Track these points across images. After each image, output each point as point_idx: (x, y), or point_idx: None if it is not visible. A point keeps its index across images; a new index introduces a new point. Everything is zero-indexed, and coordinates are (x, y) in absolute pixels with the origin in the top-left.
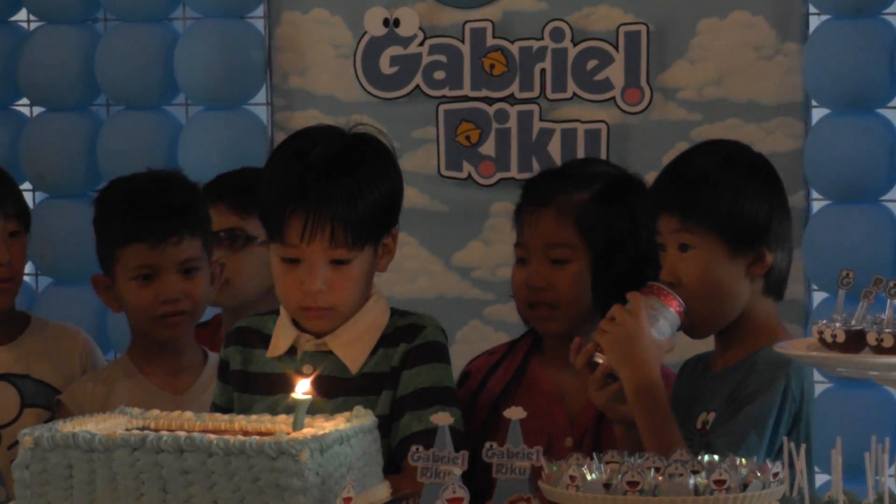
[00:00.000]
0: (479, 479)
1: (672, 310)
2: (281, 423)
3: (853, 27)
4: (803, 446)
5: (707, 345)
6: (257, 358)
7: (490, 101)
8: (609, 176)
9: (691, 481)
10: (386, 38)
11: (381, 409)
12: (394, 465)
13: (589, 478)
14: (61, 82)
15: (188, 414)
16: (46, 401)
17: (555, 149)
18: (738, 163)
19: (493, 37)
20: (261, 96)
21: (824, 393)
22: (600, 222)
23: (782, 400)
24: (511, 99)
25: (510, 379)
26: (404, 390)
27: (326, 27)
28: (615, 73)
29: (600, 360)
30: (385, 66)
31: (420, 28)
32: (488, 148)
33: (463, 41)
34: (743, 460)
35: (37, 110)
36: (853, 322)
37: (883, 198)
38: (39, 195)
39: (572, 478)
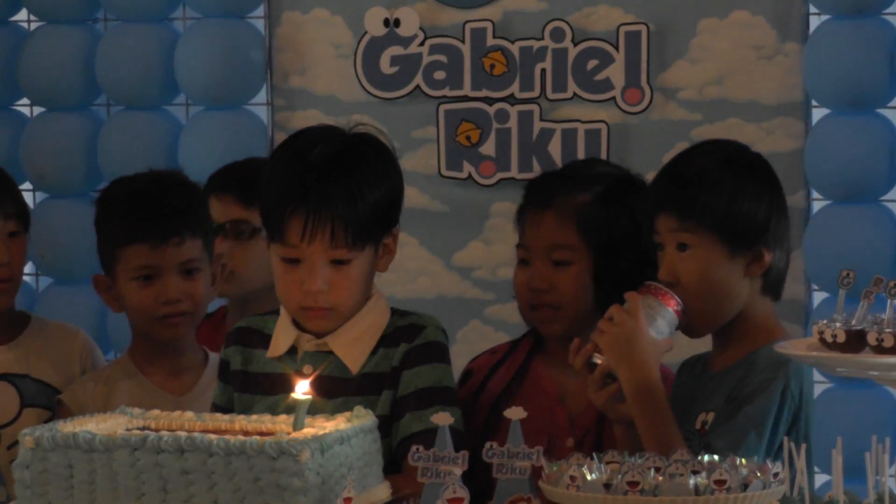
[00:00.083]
0: (479, 479)
1: (670, 309)
2: (281, 424)
3: (853, 27)
4: (803, 446)
5: (706, 344)
6: (258, 358)
7: (490, 101)
8: (611, 177)
9: (692, 481)
10: (386, 38)
11: (381, 409)
12: (394, 465)
13: (589, 478)
14: (62, 82)
15: (189, 414)
16: (46, 400)
17: (555, 149)
18: (737, 162)
19: (494, 37)
20: (261, 96)
21: (825, 393)
22: (602, 224)
23: (781, 399)
24: (511, 99)
25: (511, 379)
26: (404, 390)
27: (327, 27)
28: (615, 73)
29: (599, 361)
30: (385, 66)
31: (420, 28)
32: (488, 148)
33: (463, 41)
34: (743, 460)
35: (37, 110)
36: (853, 322)
37: (883, 198)
38: (40, 195)
39: (573, 478)
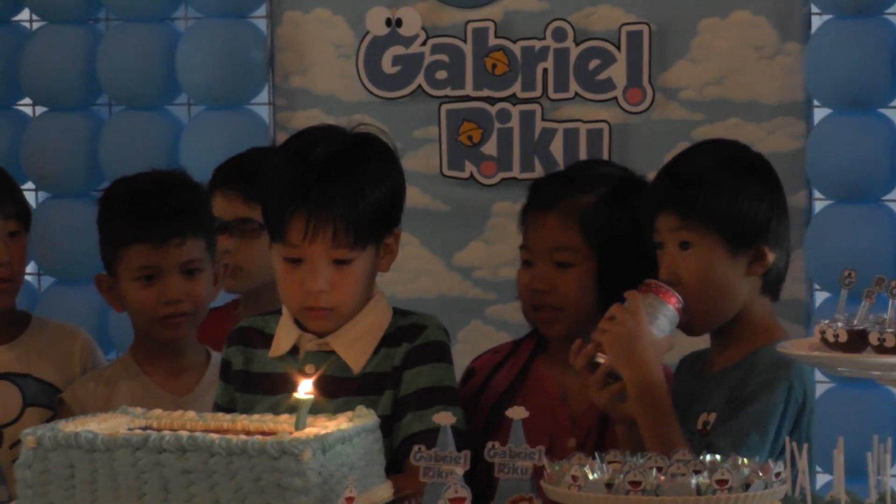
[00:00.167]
0: (480, 479)
1: (671, 307)
2: (283, 423)
3: (855, 27)
4: (805, 446)
5: (704, 341)
6: (259, 358)
7: (492, 100)
8: (614, 178)
9: (693, 481)
10: (388, 38)
11: (383, 409)
12: (396, 464)
13: (591, 477)
14: (63, 82)
15: (190, 414)
16: (48, 400)
17: (557, 149)
18: (737, 162)
19: (496, 36)
20: (263, 96)
21: (826, 393)
22: (605, 226)
23: (785, 400)
24: (513, 99)
25: (513, 378)
26: (406, 390)
27: (328, 27)
28: (617, 72)
29: (601, 360)
30: (387, 66)
31: (422, 28)
32: (490, 148)
33: (465, 41)
34: (745, 460)
35: (39, 110)
36: (855, 322)
37: (885, 197)
38: (41, 195)
39: (574, 477)
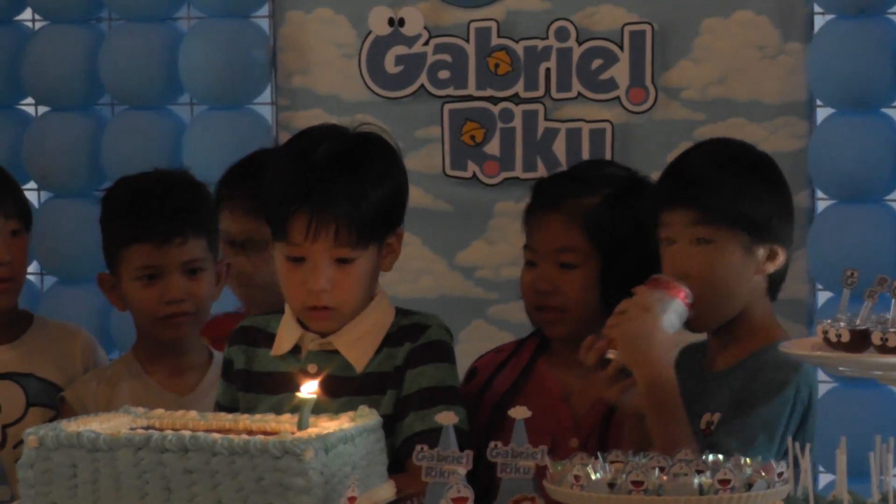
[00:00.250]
0: (482, 478)
1: (679, 300)
2: (286, 423)
3: (858, 26)
4: (808, 446)
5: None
6: (261, 357)
7: (495, 100)
8: (618, 178)
9: (696, 481)
10: (390, 38)
11: (385, 409)
12: (398, 464)
13: (593, 477)
14: (65, 82)
15: (192, 413)
16: (51, 399)
17: (560, 148)
18: (753, 161)
19: (498, 36)
20: (265, 96)
21: (829, 392)
22: (610, 227)
23: (793, 402)
24: (516, 98)
25: (516, 378)
26: (408, 390)
27: (330, 27)
28: (620, 72)
29: (613, 357)
30: (390, 66)
31: (424, 27)
32: (493, 147)
33: (468, 41)
34: (748, 460)
35: (41, 110)
36: (858, 321)
37: (887, 197)
38: (44, 194)
39: (577, 477)
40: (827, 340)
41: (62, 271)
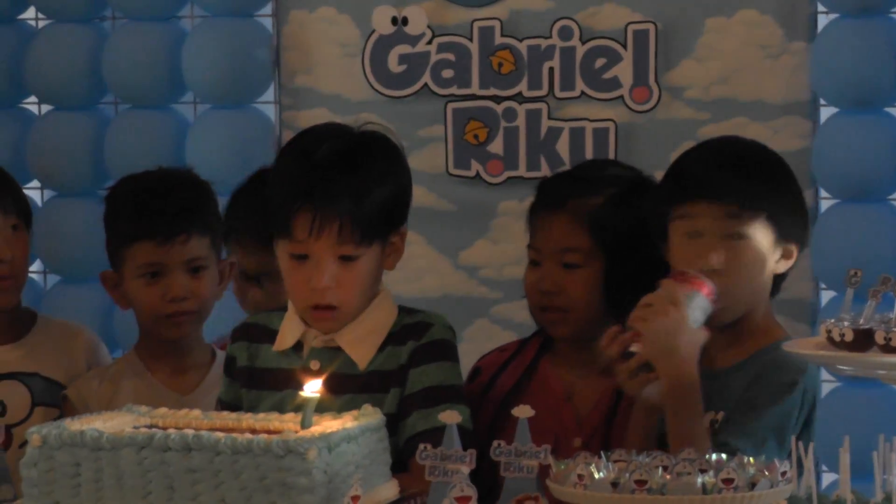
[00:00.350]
0: (486, 478)
1: (704, 295)
2: (289, 422)
3: (861, 26)
4: (811, 445)
5: None
6: (264, 353)
7: (498, 99)
8: (623, 178)
9: (699, 480)
10: (394, 37)
11: (388, 408)
12: (401, 463)
13: (597, 476)
14: (69, 81)
15: (196, 412)
16: (56, 398)
17: (563, 147)
18: (777, 160)
19: (502, 35)
20: (269, 95)
21: (832, 392)
22: (614, 227)
23: (800, 404)
24: (519, 97)
25: (519, 377)
26: (412, 388)
27: (334, 26)
28: (623, 71)
29: (636, 350)
30: (393, 65)
31: (428, 26)
32: (496, 146)
33: (471, 40)
34: (751, 459)
35: (44, 108)
36: (861, 321)
37: (891, 196)
38: (47, 193)
39: (580, 476)
40: (830, 340)
41: (65, 270)
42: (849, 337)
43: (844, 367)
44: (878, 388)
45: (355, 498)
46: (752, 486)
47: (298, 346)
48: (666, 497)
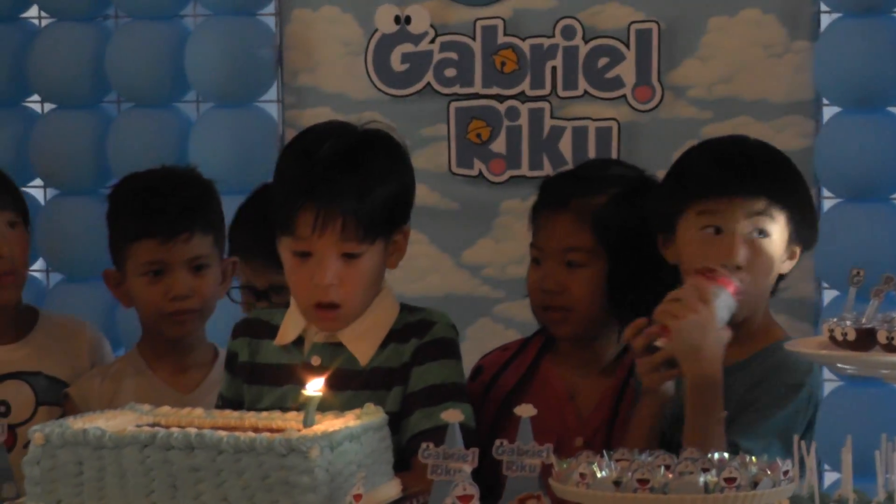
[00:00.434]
0: (488, 476)
1: (731, 293)
2: (291, 420)
3: (864, 25)
4: (814, 444)
5: None
6: (265, 349)
7: (501, 98)
8: (626, 178)
9: (701, 479)
10: (397, 36)
11: (391, 406)
12: (404, 462)
13: (599, 475)
14: (72, 79)
15: (198, 411)
16: (59, 397)
17: (566, 146)
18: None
19: (505, 34)
20: (272, 93)
21: (834, 391)
22: (617, 227)
23: (806, 406)
24: (522, 96)
25: (521, 376)
26: (414, 387)
27: (337, 24)
28: (626, 70)
29: (662, 345)
30: (396, 64)
31: (431, 25)
32: (499, 145)
33: (474, 39)
34: (753, 458)
35: (47, 107)
36: (863, 320)
37: (893, 196)
38: (50, 192)
39: (582, 475)
40: (833, 339)
41: (68, 268)
42: (851, 336)
43: (847, 367)
44: (880, 387)
45: (357, 497)
46: (755, 485)
47: (300, 342)
48: (668, 496)
